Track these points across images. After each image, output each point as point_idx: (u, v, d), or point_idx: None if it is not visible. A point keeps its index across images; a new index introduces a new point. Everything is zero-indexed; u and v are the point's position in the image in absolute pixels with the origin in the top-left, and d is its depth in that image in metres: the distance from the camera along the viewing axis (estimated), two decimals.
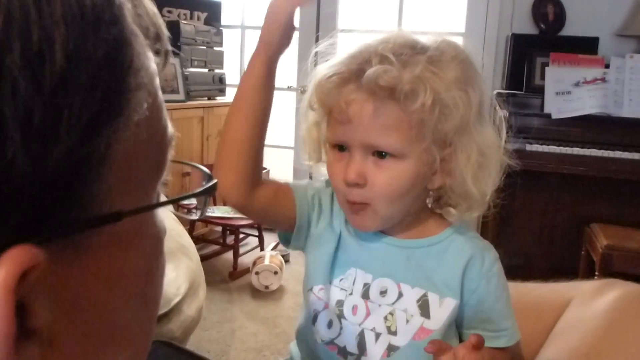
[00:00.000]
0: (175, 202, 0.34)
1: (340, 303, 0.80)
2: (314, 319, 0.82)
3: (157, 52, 0.32)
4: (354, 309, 0.79)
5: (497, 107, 0.82)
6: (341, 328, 0.80)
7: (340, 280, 0.81)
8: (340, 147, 0.77)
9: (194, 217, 0.41)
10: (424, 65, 0.71)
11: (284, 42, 0.79)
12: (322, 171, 0.83)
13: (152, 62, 0.31)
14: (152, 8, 0.32)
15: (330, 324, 0.81)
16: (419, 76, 0.70)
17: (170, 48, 0.34)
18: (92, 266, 0.28)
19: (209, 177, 0.38)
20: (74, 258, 0.27)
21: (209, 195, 0.38)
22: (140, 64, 0.28)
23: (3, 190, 0.22)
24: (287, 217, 0.83)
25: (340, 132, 0.75)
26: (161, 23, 0.33)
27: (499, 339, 0.79)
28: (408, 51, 0.72)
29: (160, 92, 0.32)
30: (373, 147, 0.73)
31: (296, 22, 0.80)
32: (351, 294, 0.80)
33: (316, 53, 0.81)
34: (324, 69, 0.76)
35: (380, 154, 0.74)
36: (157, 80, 0.32)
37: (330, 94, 0.74)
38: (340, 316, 0.80)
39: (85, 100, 0.25)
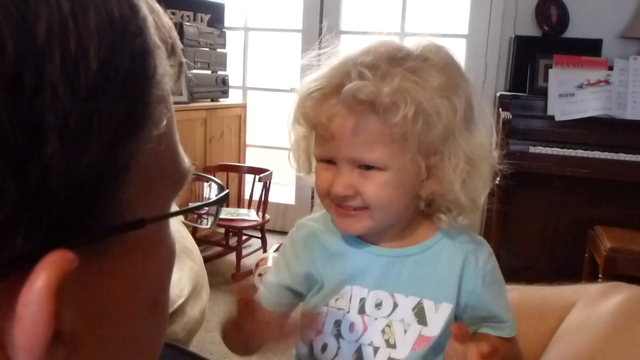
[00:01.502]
0: (191, 211, 0.36)
1: (338, 323, 0.79)
2: (310, 349, 0.82)
3: (171, 65, 0.33)
4: (352, 326, 0.79)
5: (488, 113, 0.81)
6: (338, 348, 0.79)
7: (336, 300, 0.80)
8: (328, 160, 0.77)
9: (205, 225, 0.42)
10: (404, 76, 0.70)
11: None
12: (313, 180, 0.83)
13: (169, 75, 0.32)
14: (168, 21, 0.34)
15: (324, 347, 0.80)
16: (398, 88, 0.69)
17: (184, 60, 0.36)
18: (113, 273, 0.29)
19: (221, 188, 0.39)
20: (98, 264, 0.28)
21: (221, 204, 0.39)
22: (160, 77, 0.30)
23: (41, 192, 0.24)
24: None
25: (325, 148, 0.75)
26: (176, 36, 0.34)
27: (503, 329, 0.80)
28: (386, 64, 0.71)
29: (173, 108, 0.34)
30: (358, 161, 0.73)
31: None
32: (348, 312, 0.79)
33: (305, 67, 0.80)
34: (306, 84, 0.76)
35: (367, 166, 0.74)
36: (171, 97, 0.33)
37: (313, 109, 0.74)
38: (339, 336, 0.79)
39: (113, 108, 0.26)
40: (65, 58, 0.24)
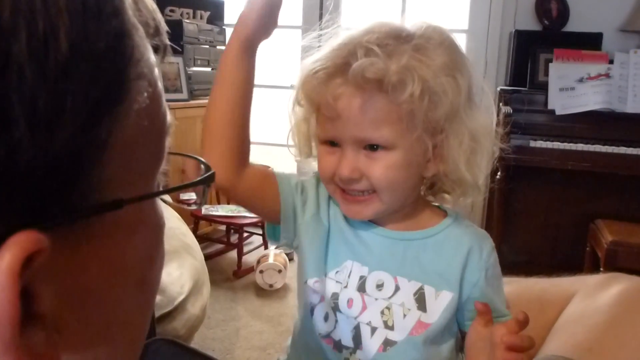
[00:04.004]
0: (174, 190, 0.35)
1: (335, 296, 0.80)
2: (311, 312, 0.82)
3: (156, 47, 0.33)
4: (350, 302, 0.79)
5: (488, 92, 0.82)
6: (336, 321, 0.79)
7: (336, 272, 0.81)
8: (332, 142, 0.77)
9: (193, 207, 0.41)
10: (410, 54, 0.70)
11: (260, 27, 0.78)
12: (313, 166, 0.83)
13: (151, 53, 0.31)
14: (152, 3, 0.33)
15: (326, 317, 0.80)
16: (406, 66, 0.69)
17: (168, 42, 0.35)
18: (94, 253, 0.29)
19: (207, 168, 0.39)
20: (77, 245, 0.27)
21: (207, 185, 0.39)
22: (140, 55, 0.29)
23: (9, 174, 0.23)
24: (272, 205, 0.82)
25: (330, 128, 0.75)
26: (160, 18, 0.34)
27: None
28: (393, 41, 0.71)
29: (160, 82, 0.33)
30: (365, 141, 0.73)
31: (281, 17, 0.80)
32: (346, 286, 0.79)
33: (305, 48, 0.80)
34: (309, 64, 0.76)
35: (372, 147, 0.73)
36: (157, 71, 0.32)
37: (317, 89, 0.74)
38: (336, 309, 0.79)
39: (88, 89, 0.25)
40: (33, 38, 0.23)
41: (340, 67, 0.72)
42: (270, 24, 0.79)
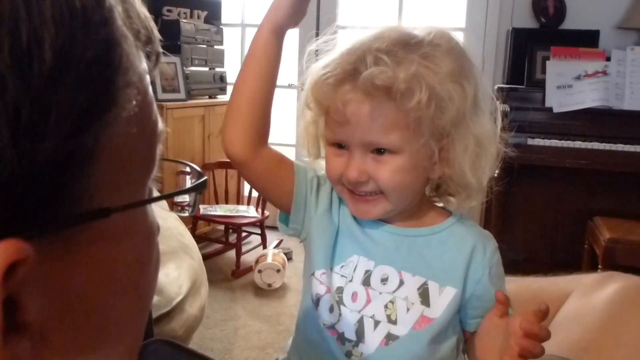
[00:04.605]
0: (163, 198, 0.35)
1: (340, 290, 0.81)
2: (316, 303, 0.82)
3: (148, 54, 0.33)
4: (354, 295, 0.80)
5: (493, 97, 0.83)
6: (340, 314, 0.81)
7: (341, 267, 0.82)
8: (339, 145, 0.78)
9: (186, 213, 0.42)
10: (418, 62, 0.72)
11: (290, 14, 0.81)
12: (322, 166, 0.84)
13: (142, 61, 0.31)
14: (144, 11, 0.33)
15: (331, 309, 0.82)
16: (414, 74, 0.71)
17: (161, 50, 0.35)
18: (81, 261, 0.28)
19: (199, 175, 0.39)
20: (63, 253, 0.27)
21: (199, 192, 0.39)
22: (129, 64, 0.29)
23: None
24: (284, 191, 0.84)
25: (338, 132, 0.77)
26: (153, 26, 0.33)
27: None
28: (401, 49, 0.73)
29: (150, 89, 0.33)
30: (373, 145, 0.75)
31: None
32: (351, 280, 0.81)
33: (311, 52, 0.82)
34: (318, 69, 0.77)
35: (379, 150, 0.75)
36: (148, 78, 0.32)
37: (327, 95, 0.76)
38: (340, 302, 0.81)
39: (74, 99, 0.25)
40: (16, 48, 0.23)
41: (350, 73, 0.73)
42: (300, 12, 0.82)
